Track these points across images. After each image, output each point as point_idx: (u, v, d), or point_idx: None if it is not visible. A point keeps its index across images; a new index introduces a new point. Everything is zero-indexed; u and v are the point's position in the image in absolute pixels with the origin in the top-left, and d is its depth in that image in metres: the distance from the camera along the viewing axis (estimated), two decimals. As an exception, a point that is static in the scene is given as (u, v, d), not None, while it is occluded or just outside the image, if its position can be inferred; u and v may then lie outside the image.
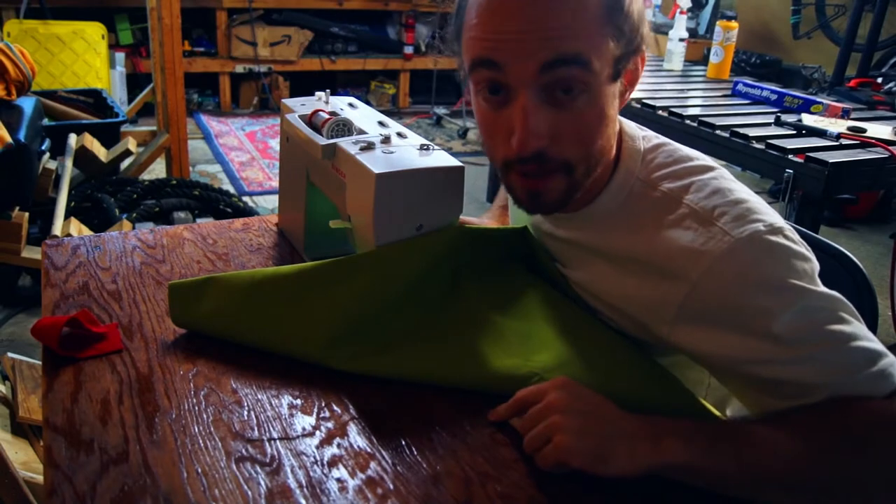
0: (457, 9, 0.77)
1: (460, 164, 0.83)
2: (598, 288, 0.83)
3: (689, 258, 0.71)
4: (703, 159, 0.80)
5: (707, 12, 4.04)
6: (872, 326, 0.92)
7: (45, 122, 2.43)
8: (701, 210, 0.73)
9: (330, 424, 0.70)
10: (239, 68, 4.51)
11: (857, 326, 0.68)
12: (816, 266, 0.71)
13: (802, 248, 0.71)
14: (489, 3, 0.71)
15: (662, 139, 0.84)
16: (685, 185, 0.76)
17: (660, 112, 2.12)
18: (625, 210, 0.80)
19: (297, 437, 0.68)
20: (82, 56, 3.63)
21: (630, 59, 0.75)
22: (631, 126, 0.83)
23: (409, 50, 4.88)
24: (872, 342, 0.67)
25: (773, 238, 0.70)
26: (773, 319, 0.67)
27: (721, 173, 0.78)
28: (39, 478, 1.26)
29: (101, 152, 2.55)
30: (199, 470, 0.63)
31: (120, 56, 4.04)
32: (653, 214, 0.77)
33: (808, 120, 1.92)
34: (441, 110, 4.79)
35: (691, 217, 0.74)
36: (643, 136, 0.83)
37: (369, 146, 0.84)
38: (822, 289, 0.69)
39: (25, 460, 1.35)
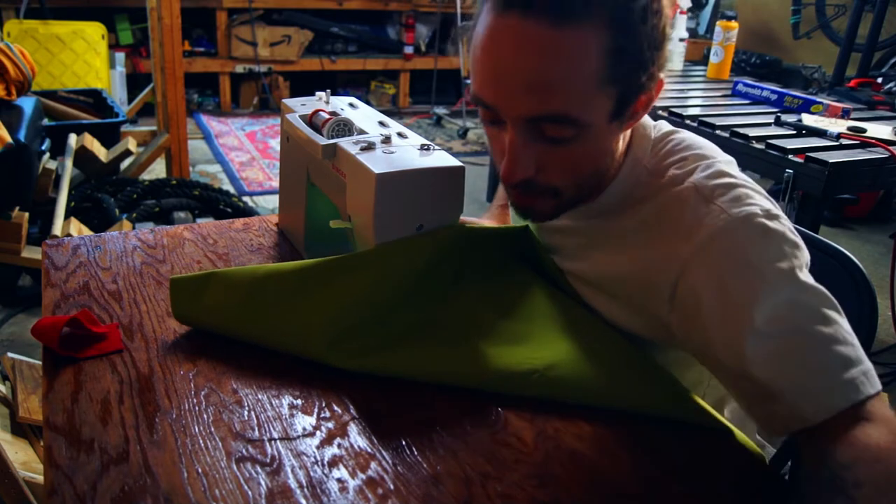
0: (472, 27, 0.75)
1: (460, 164, 0.83)
2: (598, 275, 0.83)
3: (685, 231, 0.72)
4: (712, 148, 0.81)
5: (707, 12, 4.05)
6: (872, 326, 0.92)
7: (45, 122, 2.43)
8: (702, 187, 0.74)
9: (330, 424, 0.70)
10: (239, 68, 4.51)
11: (837, 329, 0.65)
12: (808, 259, 0.71)
13: (797, 238, 0.71)
14: (487, 44, 0.70)
15: (672, 127, 0.85)
16: (691, 170, 0.77)
17: (660, 112, 2.12)
18: (630, 198, 0.81)
19: (298, 437, 0.68)
20: (82, 56, 3.63)
21: (638, 96, 0.73)
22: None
23: (409, 50, 4.88)
24: (850, 346, 0.65)
25: (769, 222, 0.70)
26: (756, 302, 0.66)
27: (728, 159, 0.79)
28: (39, 478, 1.26)
29: (101, 152, 2.55)
30: (200, 470, 0.62)
31: (120, 56, 4.04)
32: (657, 195, 0.78)
33: (808, 120, 1.92)
34: (441, 110, 4.79)
35: (691, 192, 0.74)
36: (654, 124, 0.84)
37: (370, 146, 0.84)
38: (811, 281, 0.68)
39: (25, 460, 1.35)
